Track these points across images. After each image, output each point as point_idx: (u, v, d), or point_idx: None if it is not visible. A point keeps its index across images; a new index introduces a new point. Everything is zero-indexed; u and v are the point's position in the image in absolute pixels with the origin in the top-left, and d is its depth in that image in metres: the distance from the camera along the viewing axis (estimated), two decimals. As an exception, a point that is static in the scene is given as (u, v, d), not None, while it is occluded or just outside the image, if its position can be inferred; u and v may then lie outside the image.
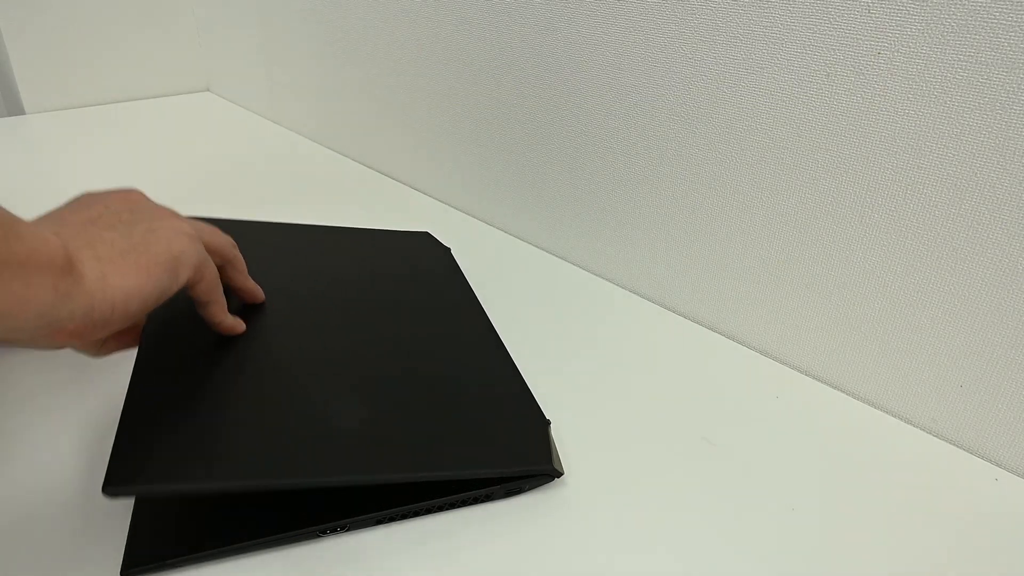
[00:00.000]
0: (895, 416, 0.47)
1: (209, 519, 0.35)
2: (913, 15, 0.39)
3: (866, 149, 0.43)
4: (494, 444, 0.39)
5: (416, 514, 0.38)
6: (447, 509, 0.38)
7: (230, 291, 0.42)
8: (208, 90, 1.17)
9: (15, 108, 1.03)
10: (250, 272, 0.43)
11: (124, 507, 0.36)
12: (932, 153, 0.41)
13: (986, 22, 0.37)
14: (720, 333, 0.55)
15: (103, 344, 0.38)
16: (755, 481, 0.41)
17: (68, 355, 0.48)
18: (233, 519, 0.35)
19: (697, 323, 0.56)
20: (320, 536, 0.36)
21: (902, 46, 0.40)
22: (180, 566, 0.34)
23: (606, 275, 0.63)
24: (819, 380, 0.50)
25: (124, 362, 0.50)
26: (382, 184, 0.82)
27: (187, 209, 0.72)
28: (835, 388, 0.49)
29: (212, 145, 0.92)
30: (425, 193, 0.79)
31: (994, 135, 0.38)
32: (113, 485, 0.29)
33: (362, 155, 0.87)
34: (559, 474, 0.39)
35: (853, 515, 0.39)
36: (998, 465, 0.43)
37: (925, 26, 0.39)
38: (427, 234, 0.64)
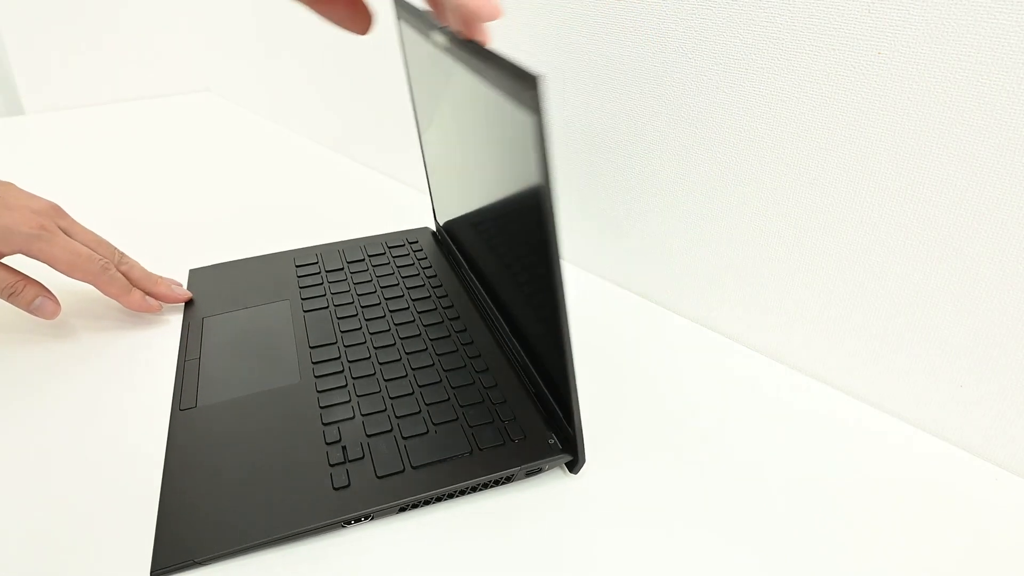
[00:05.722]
0: (895, 416, 0.47)
1: (236, 516, 0.36)
2: (914, 15, 0.39)
3: (865, 149, 0.43)
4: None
5: (439, 500, 0.38)
6: (469, 493, 0.38)
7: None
8: (208, 90, 1.17)
9: (15, 108, 1.04)
10: None
11: (150, 507, 0.37)
12: (932, 153, 0.41)
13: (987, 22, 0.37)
14: (703, 325, 0.55)
15: None
16: (754, 479, 0.41)
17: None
18: (259, 515, 0.36)
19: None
20: (345, 527, 0.36)
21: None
22: (208, 563, 0.34)
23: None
24: (818, 379, 0.50)
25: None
26: (381, 183, 0.82)
27: (188, 207, 0.72)
28: (834, 387, 0.49)
29: (212, 145, 0.92)
30: (425, 192, 0.79)
31: (995, 134, 0.38)
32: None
33: (362, 154, 0.87)
34: (576, 454, 0.39)
35: (853, 514, 0.39)
36: (998, 465, 0.43)
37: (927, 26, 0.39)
38: (427, 229, 0.65)
